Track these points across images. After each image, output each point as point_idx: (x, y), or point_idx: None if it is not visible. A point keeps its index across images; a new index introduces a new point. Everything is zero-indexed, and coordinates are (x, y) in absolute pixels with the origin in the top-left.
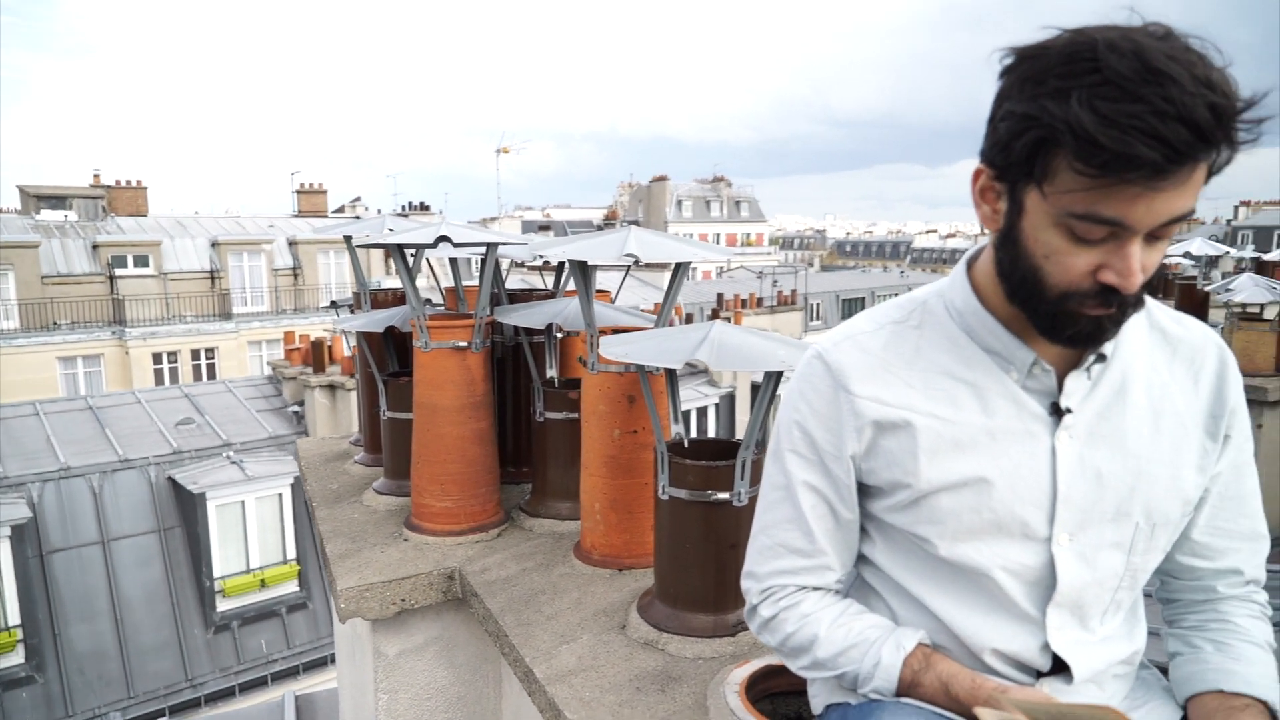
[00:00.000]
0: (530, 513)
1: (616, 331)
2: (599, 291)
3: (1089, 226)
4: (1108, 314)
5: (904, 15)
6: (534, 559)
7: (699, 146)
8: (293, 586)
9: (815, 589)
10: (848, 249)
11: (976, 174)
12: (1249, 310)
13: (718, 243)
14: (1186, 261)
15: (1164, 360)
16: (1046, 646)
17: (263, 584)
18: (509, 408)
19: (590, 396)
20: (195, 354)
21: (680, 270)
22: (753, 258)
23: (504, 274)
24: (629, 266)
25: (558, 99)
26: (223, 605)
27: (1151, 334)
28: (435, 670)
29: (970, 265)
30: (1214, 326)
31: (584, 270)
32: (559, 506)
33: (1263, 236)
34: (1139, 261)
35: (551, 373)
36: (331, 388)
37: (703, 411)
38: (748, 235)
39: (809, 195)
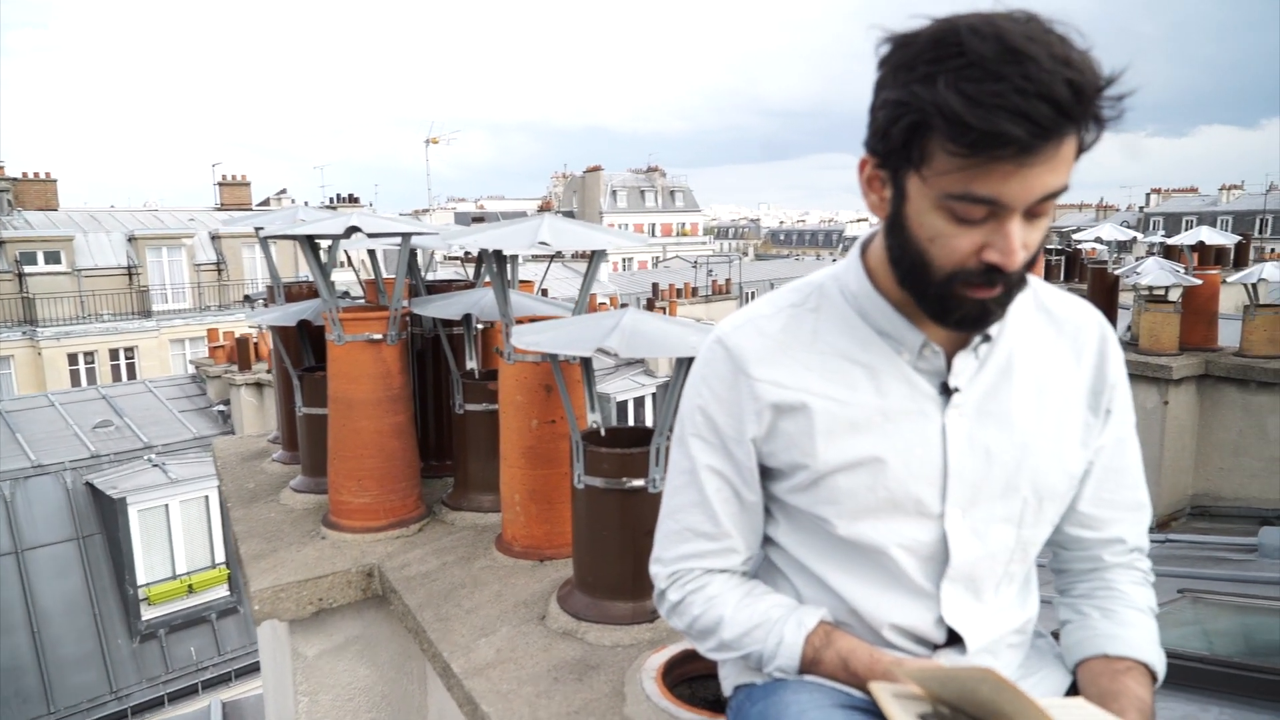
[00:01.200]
0: (452, 506)
1: (534, 321)
2: (523, 282)
3: (968, 206)
4: (992, 296)
5: (831, 6)
6: (455, 553)
7: (633, 137)
8: (222, 591)
9: (722, 571)
10: (781, 238)
11: (862, 164)
12: (1155, 292)
13: (653, 233)
14: (1101, 246)
15: (1049, 339)
16: (942, 620)
17: (190, 590)
18: (429, 400)
19: (507, 387)
20: (114, 354)
21: (596, 258)
22: (687, 247)
23: (433, 265)
24: (551, 257)
25: (489, 89)
26: (148, 613)
27: (1037, 314)
28: (357, 669)
29: (864, 250)
30: (1124, 309)
31: (499, 260)
32: (481, 499)
33: (1172, 222)
34: (1019, 239)
35: (471, 364)
36: (258, 385)
37: (640, 401)
38: (682, 225)
39: (742, 185)
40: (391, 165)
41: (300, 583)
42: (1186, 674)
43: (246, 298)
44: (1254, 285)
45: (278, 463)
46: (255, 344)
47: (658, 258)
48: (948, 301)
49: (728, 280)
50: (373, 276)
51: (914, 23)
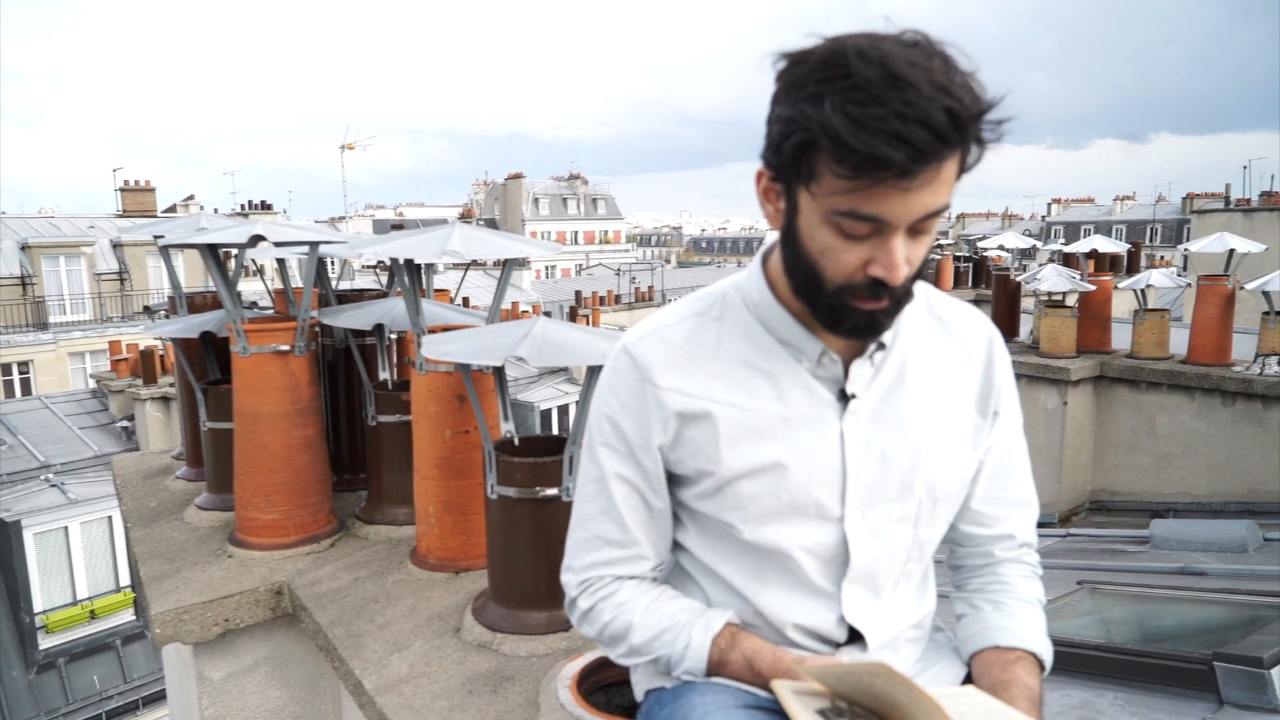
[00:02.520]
0: (366, 520)
1: (447, 330)
2: (439, 291)
3: (853, 223)
4: (880, 308)
5: (748, 17)
6: (368, 567)
7: (554, 144)
8: (128, 616)
9: (631, 578)
10: (703, 245)
11: (759, 175)
12: (1053, 298)
13: (576, 240)
14: (1005, 253)
15: (940, 345)
16: (843, 619)
17: (92, 615)
18: (342, 412)
19: (420, 397)
20: (6, 369)
21: (509, 267)
22: (610, 255)
23: (351, 274)
24: (468, 265)
25: (407, 94)
26: (46, 642)
27: (929, 321)
28: (267, 691)
29: (765, 260)
30: (1027, 313)
31: (410, 269)
32: (395, 512)
33: (1071, 231)
34: (902, 255)
35: (385, 375)
36: (165, 400)
37: (563, 409)
38: (605, 233)
39: (664, 193)
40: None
41: (205, 604)
42: (1084, 662)
43: (146, 308)
44: (1143, 291)
45: (182, 480)
46: (161, 356)
47: (581, 265)
48: (839, 312)
49: (650, 288)
50: (283, 286)
51: (810, 40)
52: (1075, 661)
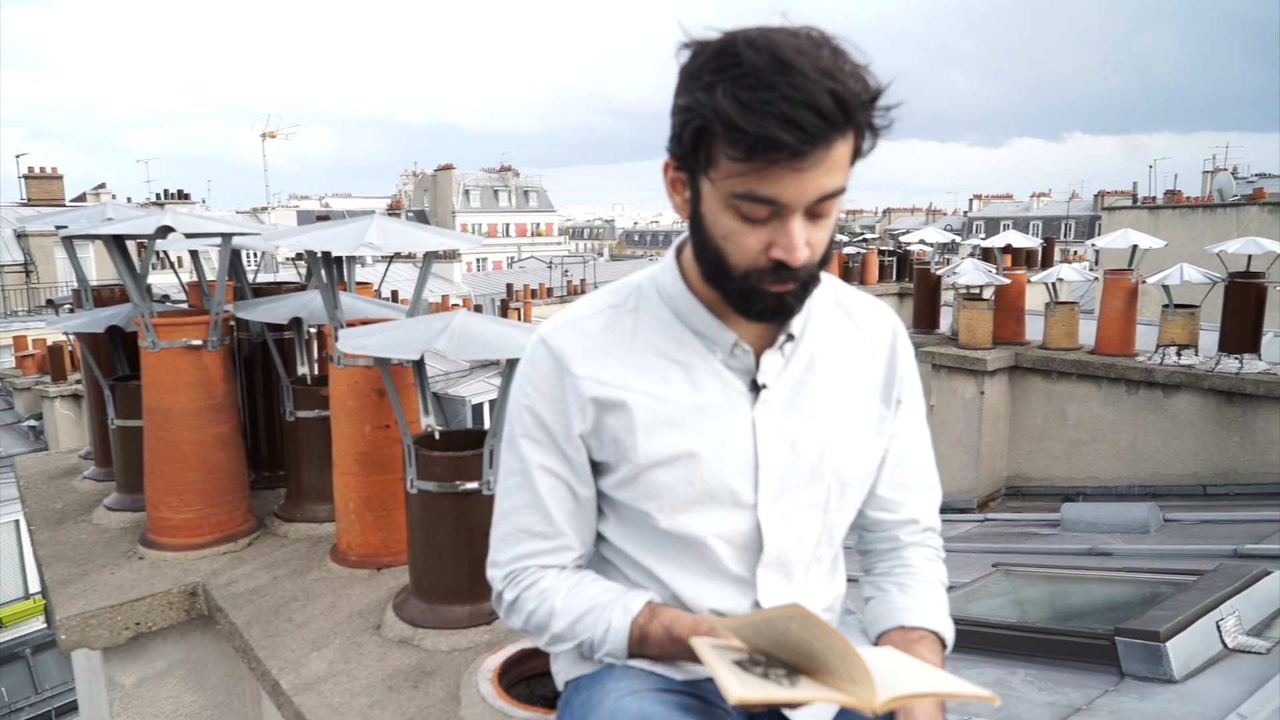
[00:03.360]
0: (285, 518)
1: (365, 324)
2: (361, 284)
3: (751, 206)
4: (788, 290)
5: (681, 11)
6: (287, 566)
7: (484, 135)
8: (38, 624)
9: (556, 567)
10: (635, 238)
11: (666, 167)
12: (971, 291)
13: (507, 233)
14: (927, 248)
15: (847, 336)
16: (758, 603)
17: (0, 624)
18: (260, 408)
19: (338, 392)
20: None
21: (428, 259)
22: (542, 247)
23: (274, 266)
24: (390, 258)
25: (331, 82)
26: None
27: (837, 313)
28: (183, 695)
29: (679, 253)
30: (946, 306)
31: (326, 261)
32: (316, 509)
33: (992, 226)
34: (802, 238)
35: (303, 370)
36: (76, 398)
37: (495, 404)
38: (537, 225)
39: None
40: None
41: (114, 607)
42: (998, 641)
43: (49, 302)
44: (1054, 284)
45: (90, 480)
46: (71, 352)
47: (513, 258)
48: (747, 296)
49: (583, 280)
50: (197, 279)
51: (707, 33)
52: (990, 641)
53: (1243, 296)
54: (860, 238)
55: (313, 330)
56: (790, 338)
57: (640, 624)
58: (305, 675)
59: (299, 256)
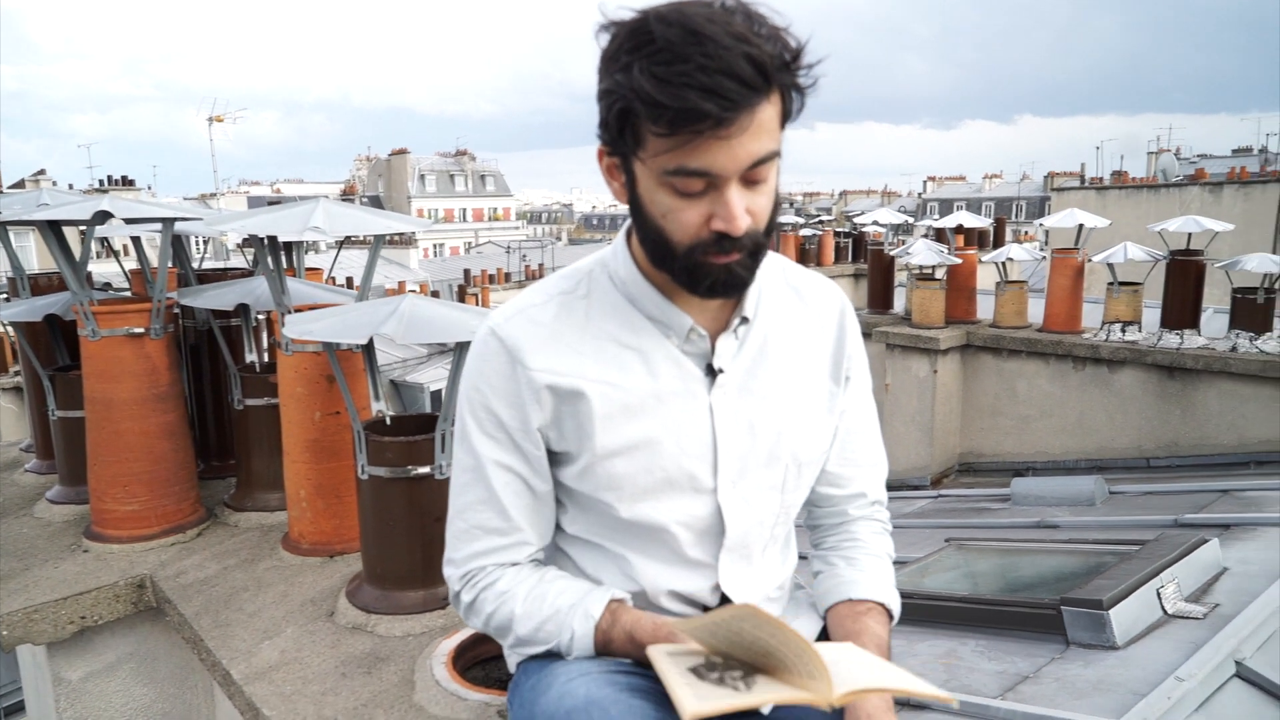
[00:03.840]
0: (235, 507)
1: (315, 310)
2: (310, 269)
3: (685, 180)
4: (735, 260)
5: None
6: (238, 555)
7: (439, 119)
8: None
9: (513, 565)
10: (594, 222)
11: (599, 154)
12: (924, 271)
13: (464, 218)
14: (881, 229)
15: (797, 316)
16: (718, 586)
17: None
18: (207, 397)
19: (287, 379)
20: None
21: (378, 243)
22: (500, 232)
23: (225, 252)
24: (340, 243)
25: (280, 65)
26: None
27: (787, 292)
28: (132, 689)
29: (629, 237)
30: (900, 286)
31: (273, 246)
32: (267, 498)
33: (945, 207)
34: (740, 206)
35: (251, 357)
36: (19, 390)
37: None
38: (495, 210)
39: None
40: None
41: (58, 601)
42: (950, 614)
43: None
44: (1004, 264)
45: (32, 473)
46: (14, 344)
47: (470, 243)
48: (695, 272)
49: (541, 265)
50: (139, 266)
51: (623, 14)
52: (942, 614)
53: (1183, 274)
54: (816, 219)
55: (261, 317)
56: (744, 320)
57: (603, 629)
58: (257, 664)
59: (249, 242)
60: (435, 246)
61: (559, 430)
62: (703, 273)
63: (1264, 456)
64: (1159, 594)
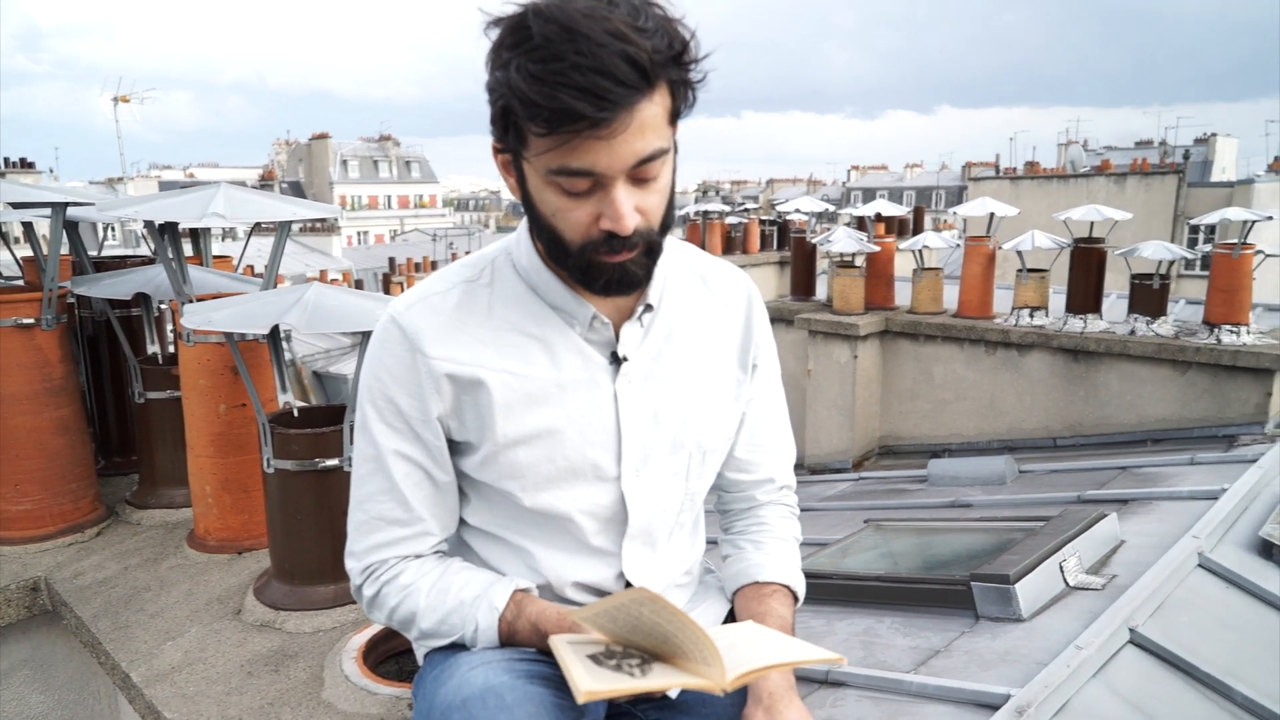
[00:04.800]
0: (138, 504)
1: (217, 299)
2: (219, 257)
3: (570, 180)
4: (627, 259)
5: None
6: (140, 555)
7: (362, 103)
8: None
9: (416, 557)
10: (521, 210)
11: (494, 151)
12: (844, 258)
13: (389, 205)
14: (805, 217)
15: (704, 303)
16: (622, 574)
17: None
18: (108, 390)
19: (189, 371)
20: None
21: (284, 229)
22: (426, 220)
23: (135, 240)
24: (252, 230)
25: (191, 42)
26: None
27: (693, 280)
28: (28, 697)
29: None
30: (823, 274)
31: (172, 232)
32: (172, 494)
33: (869, 196)
34: (628, 205)
35: (153, 348)
36: None
37: None
38: (420, 197)
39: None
40: (78, 126)
41: None
42: (867, 593)
43: None
44: (920, 251)
45: None
46: None
47: (396, 231)
48: (589, 270)
49: (468, 253)
50: (33, 254)
51: (508, 8)
52: (860, 593)
53: (1085, 261)
54: (742, 208)
55: (164, 307)
56: (648, 308)
57: (508, 621)
58: (158, 666)
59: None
60: (360, 234)
61: (460, 420)
62: (596, 271)
63: (1160, 434)
64: (1061, 567)
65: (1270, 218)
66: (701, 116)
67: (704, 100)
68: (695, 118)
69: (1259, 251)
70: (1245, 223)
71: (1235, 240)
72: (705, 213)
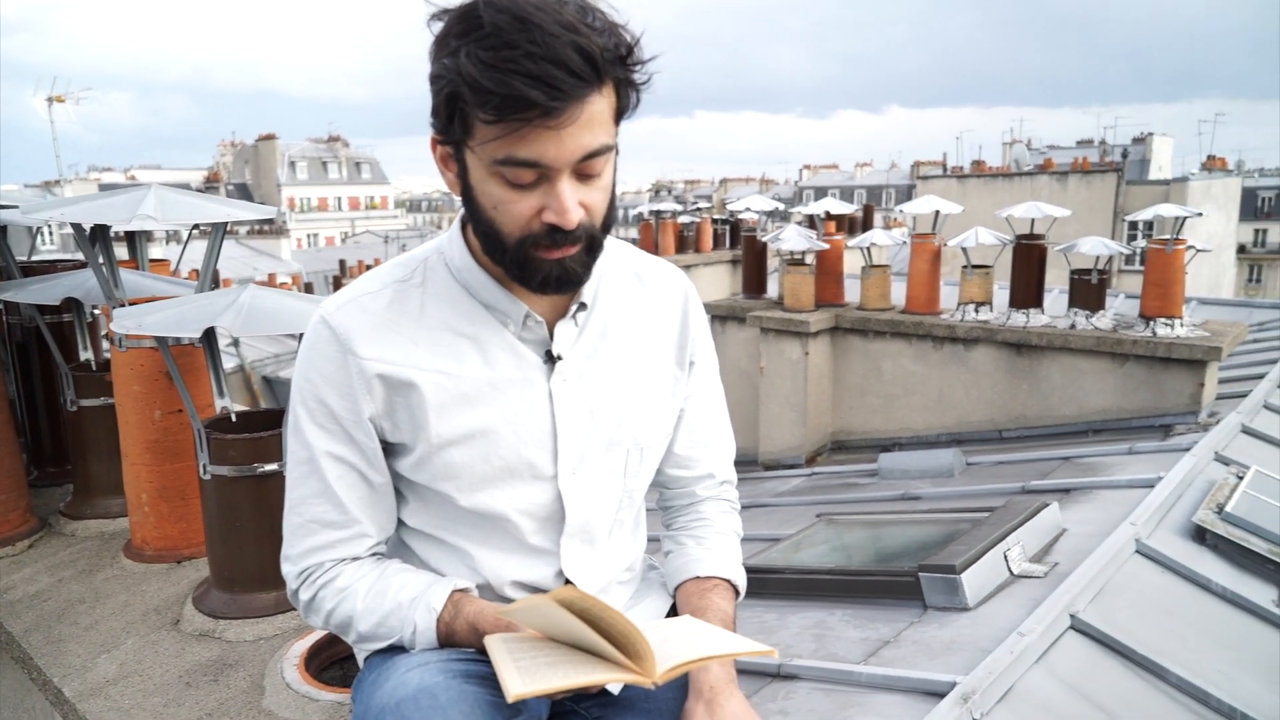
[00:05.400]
0: (72, 515)
1: (149, 303)
2: (155, 261)
3: (515, 171)
4: (568, 255)
5: None
6: (74, 566)
7: (310, 103)
8: None
9: (354, 559)
10: None
11: (433, 143)
12: (794, 256)
13: (340, 207)
14: (756, 216)
15: (640, 302)
16: (561, 572)
17: None
18: (39, 398)
19: (123, 377)
20: None
21: (218, 231)
22: (378, 221)
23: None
24: (190, 233)
25: (132, 42)
26: None
27: (629, 279)
28: None
29: (465, 224)
30: (772, 272)
31: (102, 235)
32: (107, 504)
33: (821, 194)
34: (572, 199)
35: (86, 354)
36: None
37: None
38: (372, 198)
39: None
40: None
41: None
42: (819, 586)
43: None
44: (868, 249)
45: None
46: None
47: (347, 233)
48: (526, 266)
49: None
50: None
51: (453, 1)
52: (812, 586)
53: (1027, 257)
54: (695, 207)
55: (96, 312)
56: (583, 306)
57: (446, 621)
58: (92, 680)
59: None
60: (310, 236)
61: (393, 421)
62: (534, 267)
63: (1100, 425)
64: (1006, 556)
65: (1201, 214)
66: (655, 116)
67: (657, 100)
68: (648, 117)
69: (1190, 247)
70: (1178, 219)
71: (1169, 236)
72: (658, 212)
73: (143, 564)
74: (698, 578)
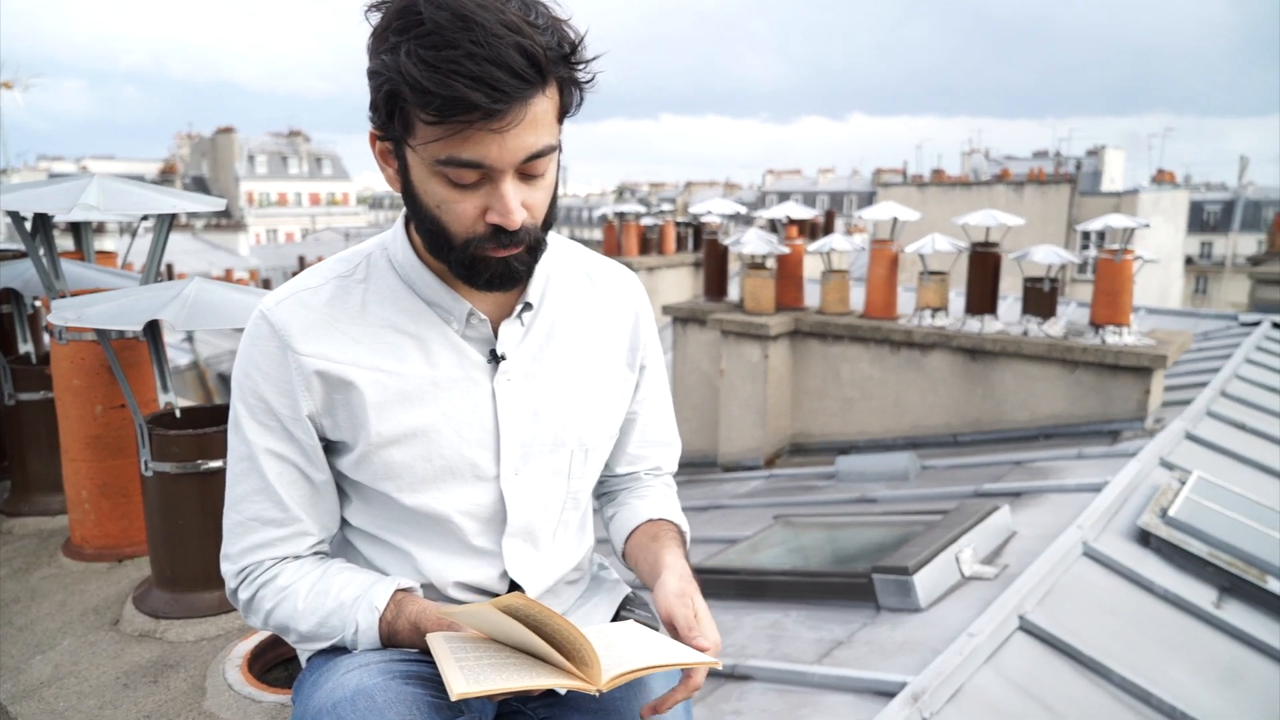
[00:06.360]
0: (9, 512)
1: (90, 294)
2: (102, 253)
3: (458, 171)
4: (513, 254)
5: None
6: (10, 565)
7: (270, 96)
8: None
9: (295, 558)
10: None
11: (372, 139)
12: (755, 260)
13: (300, 202)
14: (719, 219)
15: (590, 303)
16: (505, 573)
17: None
18: None
19: (63, 370)
20: None
21: (164, 223)
22: (339, 218)
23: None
24: (137, 225)
25: (84, 28)
26: None
27: (579, 279)
28: None
29: (409, 220)
30: (734, 276)
31: (43, 225)
32: (46, 501)
33: (784, 198)
34: (516, 200)
35: (26, 347)
36: None
37: None
38: (333, 194)
39: None
40: None
41: None
42: (774, 588)
43: None
44: (827, 254)
45: None
46: None
47: (307, 229)
48: (472, 265)
49: None
50: None
51: None
52: (768, 588)
53: (982, 264)
54: (659, 209)
55: (37, 304)
56: (528, 306)
57: (388, 621)
58: (25, 682)
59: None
60: (269, 232)
61: (332, 418)
62: (480, 266)
63: (1050, 430)
64: (958, 558)
65: (1149, 225)
66: (620, 118)
67: (623, 102)
68: (613, 119)
69: (1139, 257)
70: (1127, 229)
71: (1118, 246)
72: (622, 214)
73: (82, 562)
74: (648, 521)
